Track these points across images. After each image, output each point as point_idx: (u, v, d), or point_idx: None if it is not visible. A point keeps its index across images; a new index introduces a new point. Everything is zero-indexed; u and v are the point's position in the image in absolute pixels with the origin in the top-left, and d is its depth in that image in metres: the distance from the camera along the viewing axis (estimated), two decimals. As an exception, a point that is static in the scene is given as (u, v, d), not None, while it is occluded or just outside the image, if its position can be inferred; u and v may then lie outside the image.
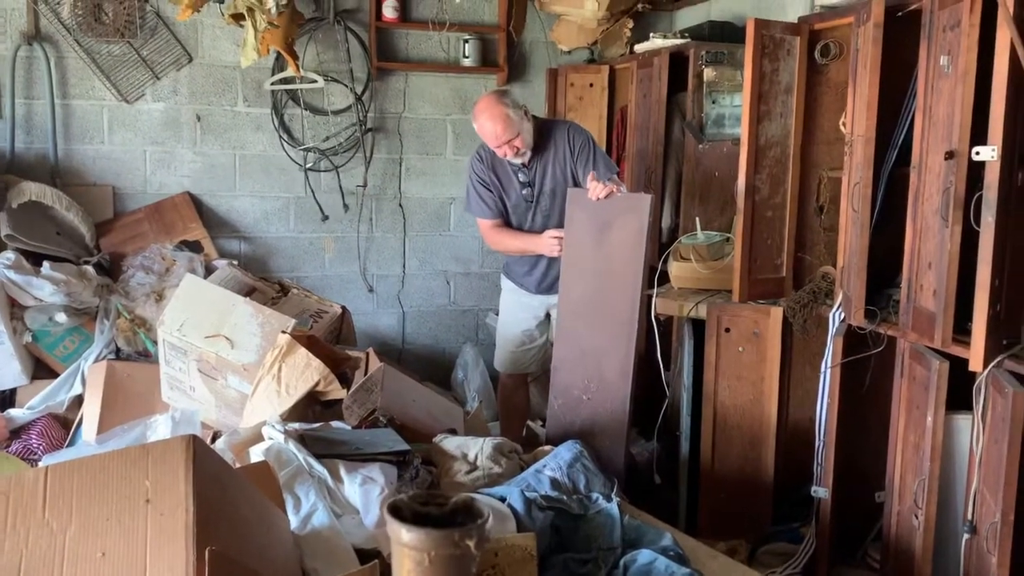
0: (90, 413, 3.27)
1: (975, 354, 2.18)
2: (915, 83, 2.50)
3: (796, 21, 3.16)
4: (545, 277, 3.53)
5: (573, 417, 3.06)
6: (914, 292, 2.48)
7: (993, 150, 2.08)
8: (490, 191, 3.46)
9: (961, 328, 2.29)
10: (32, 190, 3.83)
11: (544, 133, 3.39)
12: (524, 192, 3.43)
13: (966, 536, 2.27)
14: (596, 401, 3.01)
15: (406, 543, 1.40)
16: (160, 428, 2.72)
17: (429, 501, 1.47)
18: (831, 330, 2.83)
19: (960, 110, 2.23)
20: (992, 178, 2.10)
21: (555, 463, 2.47)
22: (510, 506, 2.22)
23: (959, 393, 2.33)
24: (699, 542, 2.45)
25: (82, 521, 1.48)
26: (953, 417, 2.40)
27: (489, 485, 2.40)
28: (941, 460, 2.40)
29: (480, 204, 3.49)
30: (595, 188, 3.01)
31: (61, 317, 3.51)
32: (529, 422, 3.94)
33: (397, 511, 1.42)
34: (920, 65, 2.45)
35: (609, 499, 2.39)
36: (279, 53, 4.18)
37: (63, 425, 3.41)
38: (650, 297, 3.57)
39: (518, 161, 3.35)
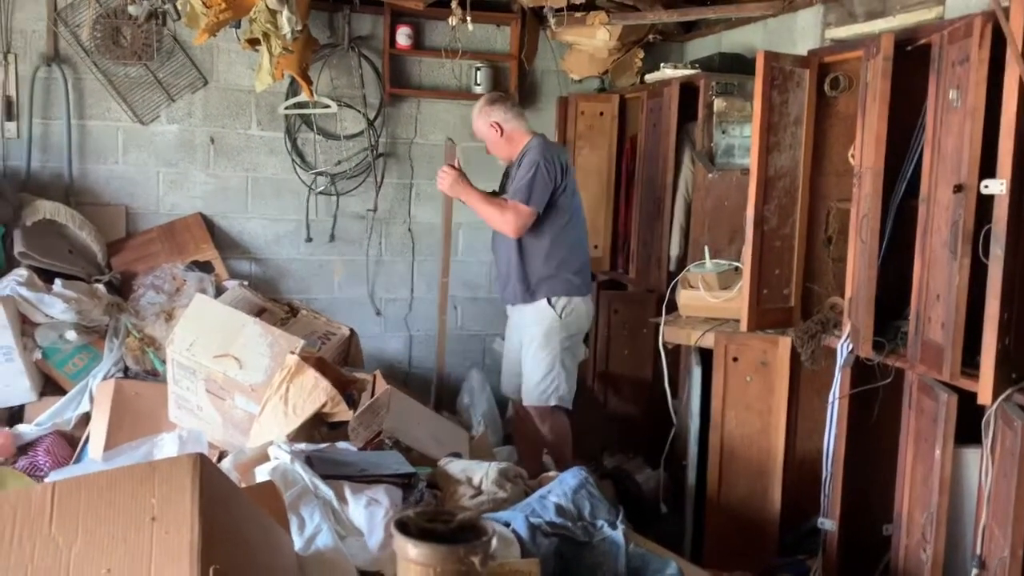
0: (97, 431, 3.27)
1: (983, 387, 2.18)
2: (924, 116, 2.51)
3: (806, 54, 3.18)
4: (501, 283, 3.68)
5: None
6: (922, 324, 2.47)
7: (1002, 183, 2.09)
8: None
9: (970, 361, 2.28)
10: (46, 208, 3.87)
11: (527, 147, 3.52)
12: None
13: (975, 571, 2.25)
14: None
15: (412, 558, 1.41)
16: (167, 446, 2.73)
17: (435, 518, 1.48)
18: (839, 361, 2.83)
19: (969, 144, 2.24)
20: (1001, 211, 2.11)
21: (560, 489, 2.45)
22: (514, 531, 2.21)
23: (968, 426, 2.32)
24: (705, 572, 2.44)
25: (88, 537, 1.48)
26: (962, 451, 2.38)
27: (493, 510, 2.39)
28: (949, 494, 2.38)
29: None
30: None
31: (71, 335, 3.53)
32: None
33: (404, 527, 1.43)
34: (929, 99, 2.47)
35: (614, 526, 2.37)
36: (293, 78, 4.23)
37: (70, 443, 3.41)
38: (658, 325, 3.57)
39: (501, 163, 3.66)
